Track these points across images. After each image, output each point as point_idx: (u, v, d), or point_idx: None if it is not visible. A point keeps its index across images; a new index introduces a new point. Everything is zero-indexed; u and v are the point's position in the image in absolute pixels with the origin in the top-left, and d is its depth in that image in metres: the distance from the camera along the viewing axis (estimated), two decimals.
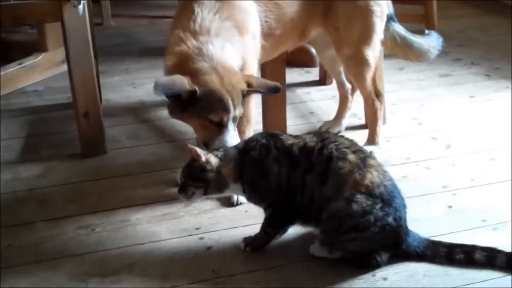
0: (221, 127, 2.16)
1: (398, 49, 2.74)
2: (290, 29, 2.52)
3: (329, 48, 2.77)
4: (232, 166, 2.02)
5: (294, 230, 2.14)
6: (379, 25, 2.59)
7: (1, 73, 3.36)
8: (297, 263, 2.05)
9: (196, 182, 2.02)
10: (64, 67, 3.56)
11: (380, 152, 2.65)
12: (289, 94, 3.16)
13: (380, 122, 2.74)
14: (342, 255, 1.99)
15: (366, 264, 1.99)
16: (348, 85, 2.97)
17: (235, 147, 2.08)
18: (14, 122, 3.10)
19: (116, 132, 2.96)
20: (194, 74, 2.12)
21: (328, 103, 3.27)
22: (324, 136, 2.00)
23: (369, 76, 2.64)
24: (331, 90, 3.39)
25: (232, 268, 2.03)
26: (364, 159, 1.95)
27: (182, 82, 2.08)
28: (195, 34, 2.21)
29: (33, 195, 2.48)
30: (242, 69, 2.27)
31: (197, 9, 2.24)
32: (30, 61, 3.52)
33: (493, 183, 2.50)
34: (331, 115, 3.07)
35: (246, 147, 2.04)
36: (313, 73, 3.63)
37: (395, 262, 2.02)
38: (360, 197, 1.89)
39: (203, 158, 2.00)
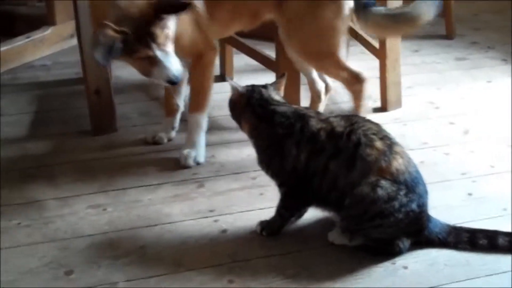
0: (154, 59, 2.18)
1: (383, 31, 2.57)
2: (241, 7, 2.46)
3: None
4: (251, 123, 2.00)
5: (311, 215, 2.09)
6: (336, 20, 2.43)
7: (9, 46, 3.29)
8: (314, 249, 2.00)
9: None
10: (73, 42, 3.53)
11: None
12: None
13: (364, 102, 2.57)
14: (363, 242, 1.94)
15: (388, 251, 1.94)
16: (321, 83, 2.80)
17: (267, 104, 2.00)
18: (22, 96, 3.05)
19: (126, 110, 2.90)
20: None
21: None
22: (353, 120, 1.94)
23: (329, 63, 2.50)
24: None
25: (248, 253, 1.98)
26: (391, 146, 1.90)
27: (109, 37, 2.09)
28: None
29: (42, 172, 2.43)
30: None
31: None
32: (38, 34, 3.45)
33: None
34: (344, 97, 3.00)
35: (275, 117, 1.97)
36: None
37: (415, 249, 1.97)
38: (385, 183, 1.84)
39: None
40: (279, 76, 2.12)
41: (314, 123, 1.95)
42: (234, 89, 2.02)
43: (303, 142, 1.93)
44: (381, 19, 2.46)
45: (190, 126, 2.50)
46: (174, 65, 2.21)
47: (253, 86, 2.04)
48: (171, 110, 2.67)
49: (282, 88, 2.09)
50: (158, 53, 2.17)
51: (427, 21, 2.44)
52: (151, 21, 2.14)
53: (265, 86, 2.04)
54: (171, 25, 2.21)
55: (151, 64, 2.20)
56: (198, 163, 2.47)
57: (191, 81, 2.53)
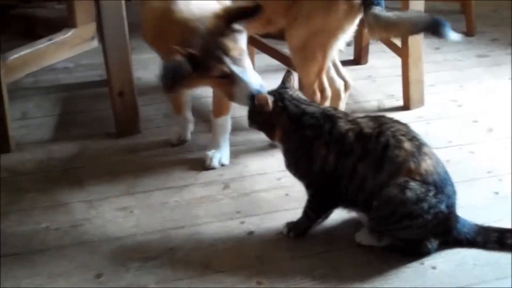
0: (231, 75, 2.06)
1: (381, 32, 2.43)
2: None
3: None
4: (284, 128, 1.97)
5: (337, 216, 2.08)
6: (341, 22, 2.40)
7: (30, 49, 3.30)
8: (341, 250, 2.00)
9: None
10: (94, 44, 3.55)
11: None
12: None
13: None
14: (391, 243, 1.94)
15: (417, 252, 1.93)
16: (340, 81, 2.75)
17: (299, 103, 1.98)
18: (46, 99, 3.06)
19: (149, 111, 2.91)
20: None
21: (364, 83, 3.19)
22: (381, 121, 1.93)
23: (313, 69, 2.47)
24: (366, 70, 3.34)
25: (276, 254, 1.99)
26: (419, 146, 1.89)
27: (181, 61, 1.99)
28: None
29: (68, 175, 2.44)
30: None
31: None
32: (59, 37, 3.46)
33: None
34: (366, 96, 3.00)
35: (304, 118, 1.96)
36: (347, 52, 3.54)
37: (443, 250, 1.97)
38: (414, 184, 1.83)
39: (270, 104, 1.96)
40: (286, 74, 2.05)
41: (343, 124, 1.94)
42: (263, 98, 1.94)
43: (332, 143, 1.92)
44: (373, 20, 2.37)
45: (215, 128, 2.51)
46: (254, 78, 2.07)
47: (275, 91, 2.02)
48: (179, 106, 2.66)
49: (294, 84, 2.07)
50: (234, 68, 2.05)
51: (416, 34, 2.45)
52: (222, 33, 2.05)
53: (284, 87, 2.02)
54: (242, 40, 2.12)
55: (230, 83, 2.08)
56: (222, 165, 2.47)
57: None
